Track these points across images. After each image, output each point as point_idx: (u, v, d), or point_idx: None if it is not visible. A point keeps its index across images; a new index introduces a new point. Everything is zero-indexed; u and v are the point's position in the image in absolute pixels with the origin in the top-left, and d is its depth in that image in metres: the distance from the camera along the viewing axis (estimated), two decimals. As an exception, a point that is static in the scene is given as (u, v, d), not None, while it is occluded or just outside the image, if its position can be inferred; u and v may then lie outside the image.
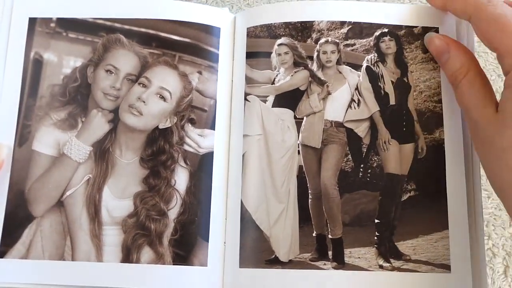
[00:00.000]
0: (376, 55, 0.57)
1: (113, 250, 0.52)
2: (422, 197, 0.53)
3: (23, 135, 0.55)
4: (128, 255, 0.52)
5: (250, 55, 0.57)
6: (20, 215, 0.53)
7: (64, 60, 0.57)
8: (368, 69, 0.57)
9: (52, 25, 0.57)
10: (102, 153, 0.55)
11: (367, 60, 0.57)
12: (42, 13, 0.57)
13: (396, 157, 0.55)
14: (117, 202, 0.54)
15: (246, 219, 0.53)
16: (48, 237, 0.53)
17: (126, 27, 0.57)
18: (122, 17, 0.57)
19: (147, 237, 0.52)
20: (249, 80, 0.56)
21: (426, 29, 0.55)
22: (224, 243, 0.53)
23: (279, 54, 0.58)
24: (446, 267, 0.50)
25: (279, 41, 0.57)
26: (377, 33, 0.57)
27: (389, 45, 0.57)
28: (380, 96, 0.56)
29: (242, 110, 0.56)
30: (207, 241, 0.52)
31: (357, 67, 0.57)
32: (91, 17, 0.57)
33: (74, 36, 0.57)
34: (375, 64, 0.57)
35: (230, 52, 0.57)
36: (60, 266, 0.52)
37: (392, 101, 0.56)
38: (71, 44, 0.57)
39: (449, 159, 0.52)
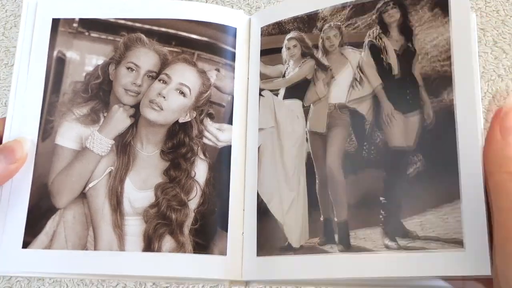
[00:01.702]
0: (378, 27, 0.55)
1: (135, 240, 0.54)
2: (430, 168, 0.48)
3: (47, 130, 0.56)
4: (150, 244, 0.53)
5: (263, 52, 0.59)
6: (43, 207, 0.54)
7: (87, 58, 0.59)
8: (370, 44, 0.55)
9: (75, 25, 0.59)
10: (124, 146, 0.57)
11: (369, 35, 0.55)
12: (65, 14, 0.59)
13: (401, 129, 0.51)
14: (139, 193, 0.55)
15: (262, 209, 0.55)
16: (71, 228, 0.54)
17: (147, 26, 0.59)
18: (143, 17, 0.59)
19: (168, 227, 0.54)
20: (263, 76, 0.59)
21: None
22: (243, 233, 0.55)
23: (289, 48, 0.59)
24: (459, 243, 0.44)
25: (288, 35, 0.59)
26: (379, 5, 0.54)
27: (391, 14, 0.54)
28: (383, 69, 0.54)
29: (257, 105, 0.58)
30: (226, 230, 0.54)
31: (359, 45, 0.56)
32: (112, 18, 0.59)
33: (96, 35, 0.59)
34: (377, 37, 0.55)
35: (245, 51, 0.60)
36: (83, 255, 0.53)
37: (395, 71, 0.53)
38: (93, 43, 0.59)
39: (461, 120, 0.47)
